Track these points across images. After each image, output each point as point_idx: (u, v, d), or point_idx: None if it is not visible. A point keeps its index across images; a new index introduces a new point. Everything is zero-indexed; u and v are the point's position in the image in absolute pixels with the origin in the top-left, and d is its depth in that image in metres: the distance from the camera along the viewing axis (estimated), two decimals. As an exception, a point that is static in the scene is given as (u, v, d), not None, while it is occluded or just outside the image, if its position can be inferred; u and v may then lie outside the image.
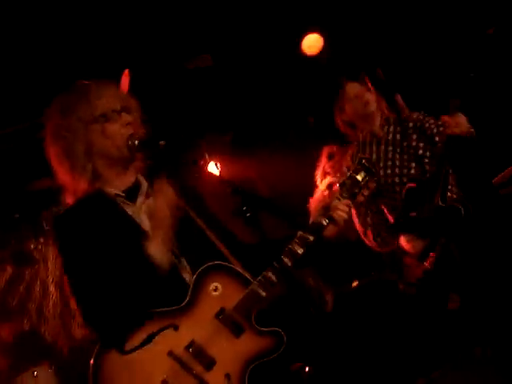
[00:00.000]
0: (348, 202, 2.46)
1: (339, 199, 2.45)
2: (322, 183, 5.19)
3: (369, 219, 4.27)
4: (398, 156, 4.18)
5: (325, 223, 2.38)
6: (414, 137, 4.18)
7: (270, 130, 6.10)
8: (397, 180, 4.15)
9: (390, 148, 4.22)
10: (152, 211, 2.40)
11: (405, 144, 4.19)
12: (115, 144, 2.35)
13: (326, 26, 5.17)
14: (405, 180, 4.09)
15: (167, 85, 4.91)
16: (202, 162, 6.02)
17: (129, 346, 2.14)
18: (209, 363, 2.16)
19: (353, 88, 4.31)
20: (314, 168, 5.22)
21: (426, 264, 3.82)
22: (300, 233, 2.37)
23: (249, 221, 2.26)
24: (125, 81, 4.25)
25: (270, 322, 2.32)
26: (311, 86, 5.84)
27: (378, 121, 4.31)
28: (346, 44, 5.47)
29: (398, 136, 4.23)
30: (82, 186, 2.36)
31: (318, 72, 5.68)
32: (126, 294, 2.24)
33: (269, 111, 5.99)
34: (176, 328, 2.17)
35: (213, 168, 6.20)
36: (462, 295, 3.97)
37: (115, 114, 2.35)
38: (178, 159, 2.45)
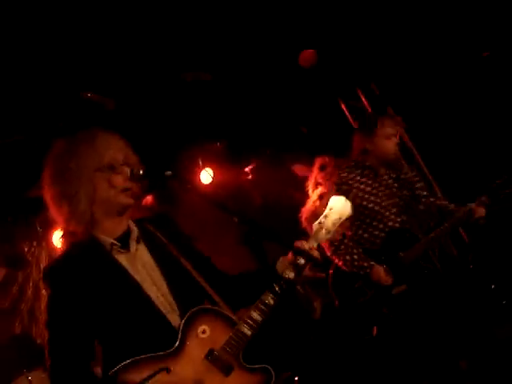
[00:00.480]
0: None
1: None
2: (313, 193, 5.29)
3: None
4: (385, 198, 4.36)
5: (291, 276, 2.39)
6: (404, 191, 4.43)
7: (264, 139, 6.17)
8: (379, 216, 4.33)
9: (382, 188, 4.39)
10: (144, 257, 2.47)
11: (394, 190, 4.40)
12: (117, 194, 2.40)
13: (320, 41, 5.23)
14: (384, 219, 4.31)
15: (163, 95, 4.97)
16: (196, 169, 6.17)
17: None
18: None
19: (392, 127, 4.41)
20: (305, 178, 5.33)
21: None
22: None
23: (255, 249, 2.31)
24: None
25: (259, 356, 2.39)
26: (306, 97, 5.93)
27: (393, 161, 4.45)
28: (340, 59, 5.55)
29: (392, 181, 4.43)
30: (77, 230, 2.40)
31: (313, 84, 5.76)
32: (119, 345, 2.32)
33: (263, 121, 6.06)
34: (168, 371, 2.22)
35: (205, 177, 6.31)
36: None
37: (119, 166, 2.41)
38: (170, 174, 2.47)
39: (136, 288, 2.37)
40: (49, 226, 5.57)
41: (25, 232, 5.68)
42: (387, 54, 5.54)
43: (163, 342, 2.28)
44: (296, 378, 4.49)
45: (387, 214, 4.31)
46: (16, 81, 4.12)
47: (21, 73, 4.08)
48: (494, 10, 5.02)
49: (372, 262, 4.12)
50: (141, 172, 2.39)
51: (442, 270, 4.58)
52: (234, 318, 2.38)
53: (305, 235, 5.25)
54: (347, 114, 6.15)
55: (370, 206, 4.31)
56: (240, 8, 4.50)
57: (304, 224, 5.26)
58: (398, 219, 4.32)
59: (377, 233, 4.30)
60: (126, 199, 2.42)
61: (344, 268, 4.22)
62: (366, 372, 4.34)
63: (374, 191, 4.35)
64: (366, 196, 4.33)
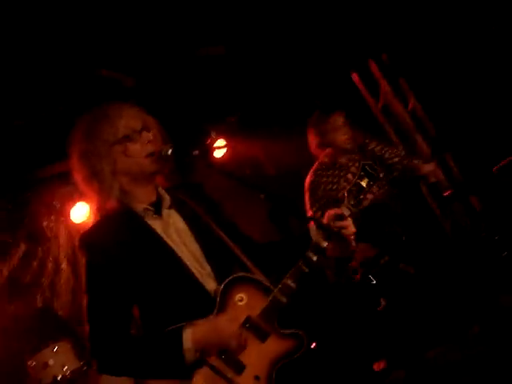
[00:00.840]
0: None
1: (347, 207, 2.52)
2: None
3: None
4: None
5: (324, 245, 2.45)
6: None
7: (276, 111, 6.19)
8: None
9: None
10: (177, 223, 2.53)
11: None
12: (137, 162, 2.44)
13: (331, 13, 5.22)
14: None
15: (176, 71, 4.99)
16: (209, 141, 6.21)
17: None
18: (239, 368, 2.32)
19: (340, 119, 4.69)
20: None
21: None
22: (314, 241, 2.46)
23: (281, 225, 2.36)
24: None
25: (292, 322, 2.47)
26: (318, 70, 5.94)
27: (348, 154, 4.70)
28: (351, 31, 5.54)
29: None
30: (112, 203, 2.46)
31: (325, 56, 5.77)
32: (156, 312, 2.40)
33: (275, 93, 6.09)
34: None
35: (219, 151, 6.35)
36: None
37: (136, 134, 2.44)
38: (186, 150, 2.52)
39: (170, 253, 2.43)
40: (66, 201, 5.67)
41: (43, 207, 5.77)
42: (399, 24, 5.53)
43: (198, 307, 2.36)
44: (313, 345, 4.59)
45: None
46: (33, 60, 4.16)
47: (36, 53, 4.12)
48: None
49: None
50: (169, 152, 2.43)
51: (453, 238, 4.70)
52: (269, 285, 2.45)
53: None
54: (359, 85, 6.17)
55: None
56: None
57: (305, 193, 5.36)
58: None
59: None
60: (149, 165, 2.46)
61: None
62: (379, 338, 4.46)
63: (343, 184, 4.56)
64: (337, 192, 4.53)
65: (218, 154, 6.32)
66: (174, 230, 2.51)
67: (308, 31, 5.47)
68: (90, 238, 2.46)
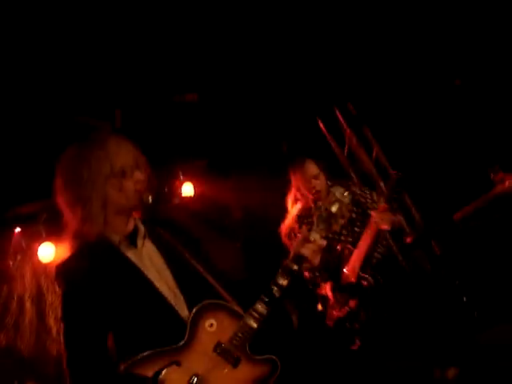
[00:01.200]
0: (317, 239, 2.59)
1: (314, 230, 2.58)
2: (292, 208, 5.46)
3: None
4: None
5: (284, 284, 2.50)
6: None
7: (245, 155, 6.33)
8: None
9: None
10: (151, 253, 2.61)
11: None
12: (127, 197, 2.52)
13: (302, 59, 5.42)
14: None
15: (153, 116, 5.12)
16: (177, 183, 6.30)
17: None
18: None
19: (312, 169, 4.84)
20: (285, 193, 5.49)
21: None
22: (284, 263, 2.55)
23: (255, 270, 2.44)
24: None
25: (264, 348, 2.53)
26: (286, 115, 6.12)
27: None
28: (319, 78, 5.74)
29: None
30: (93, 231, 2.50)
31: (292, 101, 5.95)
32: (130, 339, 2.45)
33: (243, 137, 6.23)
34: (178, 364, 2.35)
35: (188, 189, 6.44)
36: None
37: (130, 171, 2.51)
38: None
39: (145, 281, 2.49)
40: (33, 241, 5.67)
41: (10, 246, 5.76)
42: (365, 74, 5.74)
43: (172, 332, 2.41)
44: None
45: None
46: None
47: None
48: (467, 38, 5.26)
49: None
50: (150, 200, 2.53)
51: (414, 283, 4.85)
52: (240, 311, 2.51)
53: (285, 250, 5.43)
54: (325, 132, 6.35)
55: None
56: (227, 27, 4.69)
57: (284, 239, 5.44)
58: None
59: None
60: (136, 201, 2.53)
61: None
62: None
63: None
64: None
65: (186, 193, 6.42)
66: (148, 260, 2.58)
67: (276, 77, 5.66)
68: (67, 267, 2.51)
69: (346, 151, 6.45)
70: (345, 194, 2.66)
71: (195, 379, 2.36)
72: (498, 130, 5.51)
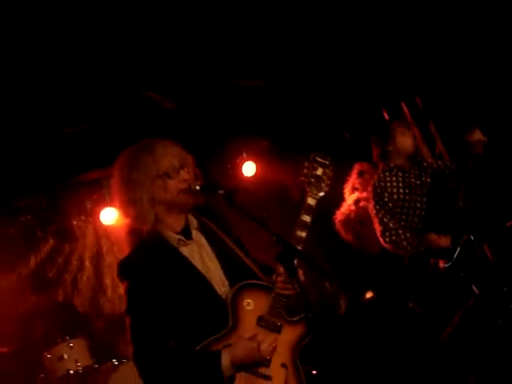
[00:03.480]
0: None
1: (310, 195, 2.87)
2: (349, 198, 5.52)
3: (391, 223, 4.64)
4: (413, 190, 4.79)
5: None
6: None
7: (307, 139, 6.38)
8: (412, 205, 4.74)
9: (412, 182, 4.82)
10: (202, 244, 2.82)
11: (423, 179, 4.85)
12: (173, 196, 2.72)
13: (366, 54, 5.44)
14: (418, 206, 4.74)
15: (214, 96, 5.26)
16: (238, 160, 6.42)
17: None
18: (266, 362, 2.61)
19: (405, 126, 4.96)
20: (344, 182, 5.55)
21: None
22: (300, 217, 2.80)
23: (289, 270, 2.58)
24: None
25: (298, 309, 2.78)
26: (351, 105, 6.14)
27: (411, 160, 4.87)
28: (385, 72, 5.74)
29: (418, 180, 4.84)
30: (145, 228, 2.72)
31: (360, 92, 5.97)
32: (186, 330, 2.66)
33: (309, 124, 6.30)
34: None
35: (249, 168, 6.54)
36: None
37: (175, 171, 2.71)
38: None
39: (199, 277, 2.71)
40: (97, 204, 5.94)
41: (75, 207, 6.05)
42: (434, 68, 5.70)
43: (223, 321, 2.64)
44: (314, 372, 4.72)
45: (418, 205, 4.71)
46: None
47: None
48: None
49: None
50: (197, 187, 2.71)
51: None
52: (270, 284, 2.74)
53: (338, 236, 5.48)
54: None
55: (403, 203, 4.69)
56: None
57: (337, 226, 5.52)
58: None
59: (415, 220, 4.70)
60: (183, 199, 2.74)
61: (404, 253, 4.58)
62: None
63: (406, 190, 4.74)
64: (400, 195, 4.71)
65: (247, 172, 6.53)
66: (199, 251, 2.78)
67: (343, 66, 5.68)
68: (129, 265, 2.73)
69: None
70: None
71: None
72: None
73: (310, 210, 2.81)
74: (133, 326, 2.64)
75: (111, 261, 6.18)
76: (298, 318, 2.75)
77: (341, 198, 5.53)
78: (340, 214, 5.54)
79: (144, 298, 2.64)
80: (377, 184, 4.72)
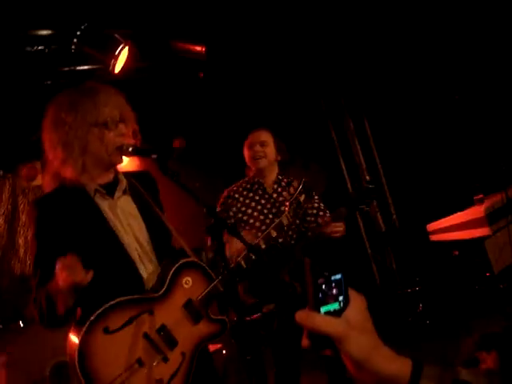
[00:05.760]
0: None
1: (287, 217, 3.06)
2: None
3: None
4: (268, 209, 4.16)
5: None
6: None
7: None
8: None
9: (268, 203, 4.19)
10: (127, 206, 2.72)
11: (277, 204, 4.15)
12: (107, 150, 2.61)
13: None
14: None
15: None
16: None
17: (113, 326, 2.44)
18: (172, 344, 2.56)
19: (258, 136, 4.21)
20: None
21: None
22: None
23: (216, 240, 2.60)
24: None
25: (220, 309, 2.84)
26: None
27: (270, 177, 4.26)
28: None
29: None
30: (68, 174, 2.60)
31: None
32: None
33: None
34: (151, 313, 2.55)
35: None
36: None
37: (114, 124, 2.59)
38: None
39: (110, 233, 2.61)
40: (20, 162, 5.74)
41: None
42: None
43: (128, 286, 2.56)
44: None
45: (261, 217, 4.07)
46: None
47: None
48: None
49: None
50: (130, 149, 2.62)
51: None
52: (213, 275, 2.73)
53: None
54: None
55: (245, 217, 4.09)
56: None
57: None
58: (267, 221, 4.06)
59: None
60: (115, 157, 2.64)
61: None
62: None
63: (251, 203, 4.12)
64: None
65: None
66: (122, 213, 2.68)
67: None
68: (43, 202, 2.62)
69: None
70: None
71: (162, 331, 2.55)
72: None
73: (280, 227, 3.02)
74: (38, 250, 2.54)
75: (26, 221, 5.99)
76: (217, 317, 2.74)
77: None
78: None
79: (51, 233, 2.54)
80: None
